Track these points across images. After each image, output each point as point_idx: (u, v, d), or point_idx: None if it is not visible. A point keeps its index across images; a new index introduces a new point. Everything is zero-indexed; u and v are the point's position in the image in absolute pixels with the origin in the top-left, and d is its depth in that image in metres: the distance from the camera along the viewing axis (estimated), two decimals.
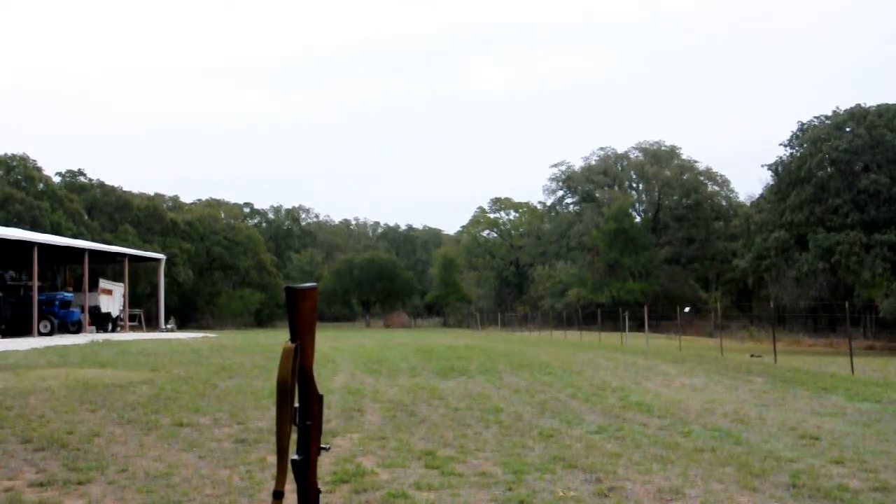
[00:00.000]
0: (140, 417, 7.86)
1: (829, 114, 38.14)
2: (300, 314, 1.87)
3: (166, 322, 39.41)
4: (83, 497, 4.79)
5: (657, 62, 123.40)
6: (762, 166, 55.15)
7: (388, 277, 69.83)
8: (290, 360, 1.84)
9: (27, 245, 28.79)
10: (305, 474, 1.90)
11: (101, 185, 61.38)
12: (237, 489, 4.99)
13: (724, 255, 53.16)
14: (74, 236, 43.79)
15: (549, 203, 68.09)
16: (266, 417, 7.86)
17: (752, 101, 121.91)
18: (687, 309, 33.73)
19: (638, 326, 37.38)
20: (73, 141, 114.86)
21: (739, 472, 5.54)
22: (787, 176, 37.66)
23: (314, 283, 1.93)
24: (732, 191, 61.13)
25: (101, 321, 33.42)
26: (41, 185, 56.17)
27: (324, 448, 1.95)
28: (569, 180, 64.30)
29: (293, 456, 1.89)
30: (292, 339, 1.87)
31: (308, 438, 1.90)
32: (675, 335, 32.88)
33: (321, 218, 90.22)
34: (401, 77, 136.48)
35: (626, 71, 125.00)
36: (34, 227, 44.36)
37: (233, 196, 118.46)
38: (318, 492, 1.94)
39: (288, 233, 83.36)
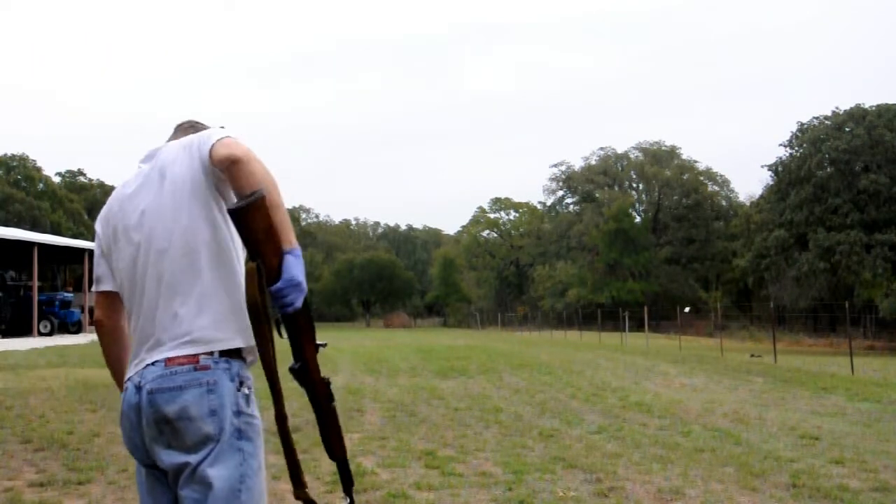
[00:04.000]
0: None
1: (829, 114, 38.15)
2: (252, 231, 1.79)
3: None
4: (83, 497, 4.79)
5: (657, 62, 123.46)
6: (762, 166, 55.10)
7: (388, 277, 69.78)
8: (254, 279, 1.79)
9: (27, 245, 28.77)
10: (307, 374, 1.90)
11: (101, 185, 61.38)
12: None
13: (724, 255, 53.14)
14: (74, 236, 43.79)
15: (549, 203, 68.12)
16: (265, 418, 7.86)
17: (752, 101, 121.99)
18: (687, 309, 33.74)
19: (638, 326, 37.38)
20: (73, 141, 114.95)
21: (739, 472, 5.54)
22: (787, 176, 37.66)
23: (260, 192, 1.79)
24: (732, 191, 61.21)
25: None
26: (41, 185, 56.19)
27: (321, 345, 1.93)
28: (569, 180, 64.27)
29: (290, 366, 1.89)
30: (252, 259, 1.82)
31: (300, 345, 1.88)
32: (675, 335, 32.88)
33: (321, 218, 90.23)
34: (400, 76, 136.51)
35: (626, 71, 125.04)
36: (34, 227, 44.37)
37: None
38: (328, 382, 1.95)
39: None
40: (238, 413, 1.87)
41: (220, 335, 1.89)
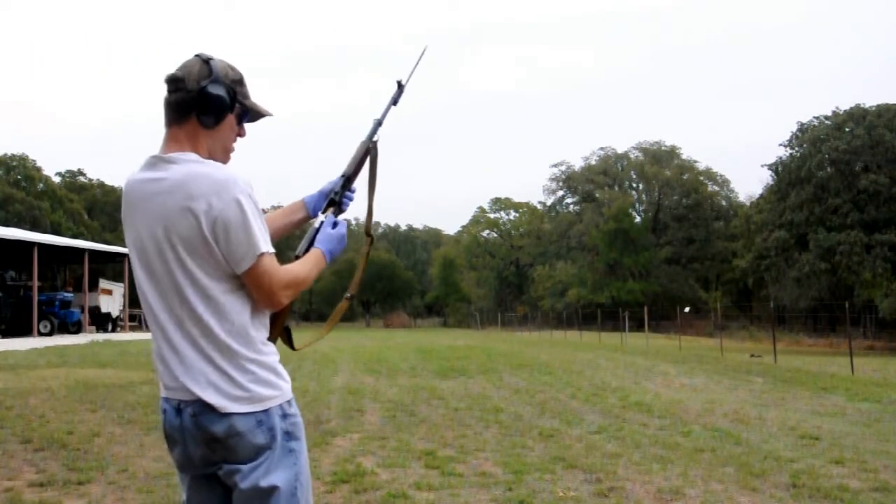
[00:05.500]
0: (140, 417, 7.86)
1: (829, 114, 38.16)
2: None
3: None
4: (83, 497, 4.79)
5: (657, 62, 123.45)
6: (762, 166, 55.16)
7: (388, 277, 69.73)
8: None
9: (27, 245, 28.76)
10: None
11: (101, 185, 61.36)
12: None
13: (724, 255, 53.13)
14: (74, 236, 43.79)
15: (549, 203, 68.10)
16: None
17: (752, 101, 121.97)
18: (687, 309, 33.74)
19: (638, 326, 37.40)
20: (73, 141, 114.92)
21: (739, 472, 5.54)
22: (787, 176, 37.67)
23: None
24: (732, 191, 61.25)
25: (101, 321, 33.39)
26: (41, 185, 56.14)
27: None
28: (569, 180, 64.28)
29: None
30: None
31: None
32: (675, 335, 32.88)
33: None
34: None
35: (626, 70, 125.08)
36: (34, 227, 44.36)
37: None
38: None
39: None
40: (284, 416, 1.93)
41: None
